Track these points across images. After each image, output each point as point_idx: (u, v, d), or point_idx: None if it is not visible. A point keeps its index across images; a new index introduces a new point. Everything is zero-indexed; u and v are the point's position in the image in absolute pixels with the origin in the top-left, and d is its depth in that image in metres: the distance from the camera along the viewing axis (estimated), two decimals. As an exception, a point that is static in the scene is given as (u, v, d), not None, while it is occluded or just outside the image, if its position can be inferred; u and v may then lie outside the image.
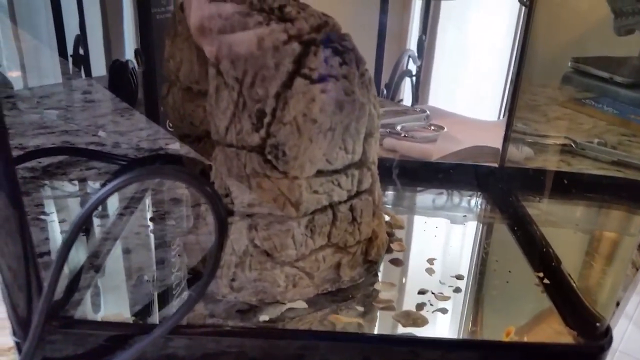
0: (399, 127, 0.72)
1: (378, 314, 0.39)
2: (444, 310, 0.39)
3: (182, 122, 0.43)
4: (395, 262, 0.45)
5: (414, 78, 0.87)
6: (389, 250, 0.46)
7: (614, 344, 0.36)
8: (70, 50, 0.73)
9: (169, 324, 0.32)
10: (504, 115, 0.62)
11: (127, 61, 0.57)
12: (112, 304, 0.40)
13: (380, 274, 0.43)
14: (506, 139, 0.58)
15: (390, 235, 0.48)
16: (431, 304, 0.40)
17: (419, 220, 0.53)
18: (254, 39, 0.34)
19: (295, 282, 0.39)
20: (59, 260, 0.31)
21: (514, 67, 0.57)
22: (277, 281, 0.38)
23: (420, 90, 0.87)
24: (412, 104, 0.86)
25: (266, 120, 0.35)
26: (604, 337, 0.35)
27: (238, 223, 0.38)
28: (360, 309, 0.40)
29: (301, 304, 0.40)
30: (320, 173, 0.37)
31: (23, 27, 0.76)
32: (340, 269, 0.41)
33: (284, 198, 0.37)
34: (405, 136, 0.71)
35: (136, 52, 0.55)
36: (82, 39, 0.71)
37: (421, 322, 0.38)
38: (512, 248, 0.48)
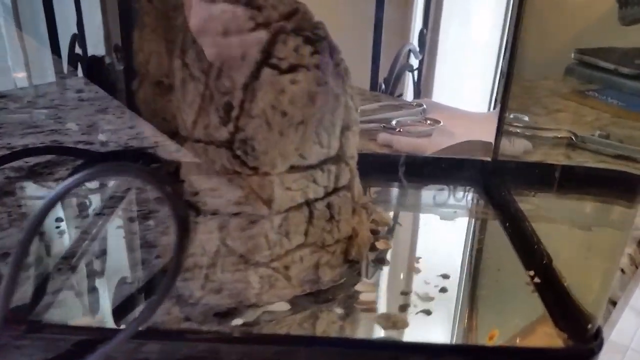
0: (394, 122, 0.70)
1: (360, 316, 0.38)
2: (428, 312, 0.37)
3: (154, 117, 0.41)
4: (380, 261, 0.43)
5: (415, 72, 0.85)
6: (374, 248, 0.44)
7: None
8: (65, 49, 0.72)
9: (131, 328, 0.31)
10: (494, 108, 0.60)
11: (103, 57, 0.55)
12: (87, 307, 0.39)
13: (363, 274, 0.42)
14: (499, 133, 0.56)
15: (375, 233, 0.46)
16: (415, 305, 0.38)
17: (406, 217, 0.51)
18: (219, 28, 0.33)
19: (272, 283, 0.37)
20: (14, 262, 0.29)
21: (504, 58, 0.55)
22: (251, 283, 0.37)
23: (422, 84, 0.85)
24: (413, 99, 0.84)
25: (234, 113, 0.33)
26: (594, 340, 0.33)
27: (208, 222, 0.36)
28: (341, 311, 0.38)
29: (281, 306, 0.38)
30: (293, 169, 0.36)
31: (25, 27, 0.75)
32: (320, 269, 0.39)
33: (255, 195, 0.35)
34: (400, 131, 0.69)
35: (115, 48, 0.53)
36: (79, 37, 0.69)
37: (401, 324, 0.36)
38: (503, 245, 0.46)
